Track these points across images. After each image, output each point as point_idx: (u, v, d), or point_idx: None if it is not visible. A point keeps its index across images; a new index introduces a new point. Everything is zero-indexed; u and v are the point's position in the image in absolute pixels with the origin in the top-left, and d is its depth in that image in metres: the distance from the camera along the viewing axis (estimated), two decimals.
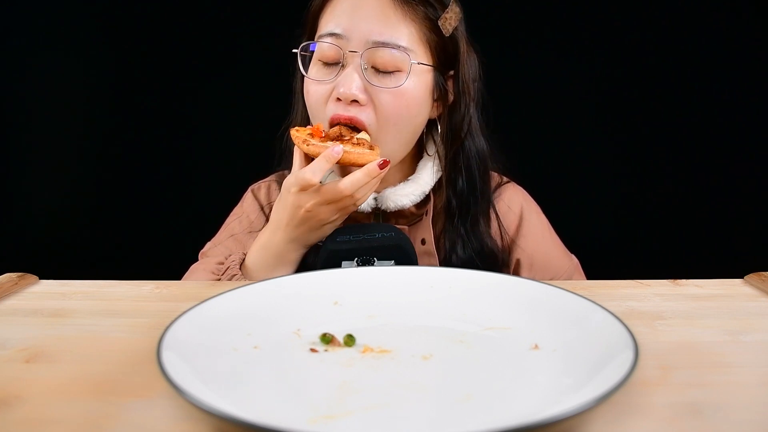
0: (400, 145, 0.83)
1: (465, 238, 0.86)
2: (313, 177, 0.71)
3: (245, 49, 1.54)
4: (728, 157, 1.52)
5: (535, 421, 0.32)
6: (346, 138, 0.75)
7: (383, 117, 0.79)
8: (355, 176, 0.72)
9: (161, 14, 1.56)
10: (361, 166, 0.73)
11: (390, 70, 0.79)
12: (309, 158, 0.76)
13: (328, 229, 0.77)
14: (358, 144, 0.74)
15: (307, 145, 0.74)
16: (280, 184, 0.73)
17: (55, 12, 1.57)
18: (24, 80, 1.61)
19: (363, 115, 0.79)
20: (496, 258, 0.89)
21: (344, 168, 0.78)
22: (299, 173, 0.72)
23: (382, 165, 0.72)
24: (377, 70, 0.79)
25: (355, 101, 0.78)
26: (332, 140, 0.75)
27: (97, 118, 1.64)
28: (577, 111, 1.54)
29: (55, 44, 1.59)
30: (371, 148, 0.74)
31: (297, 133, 0.75)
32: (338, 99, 0.79)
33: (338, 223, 0.77)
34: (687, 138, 1.53)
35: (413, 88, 0.80)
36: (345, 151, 0.72)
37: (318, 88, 0.81)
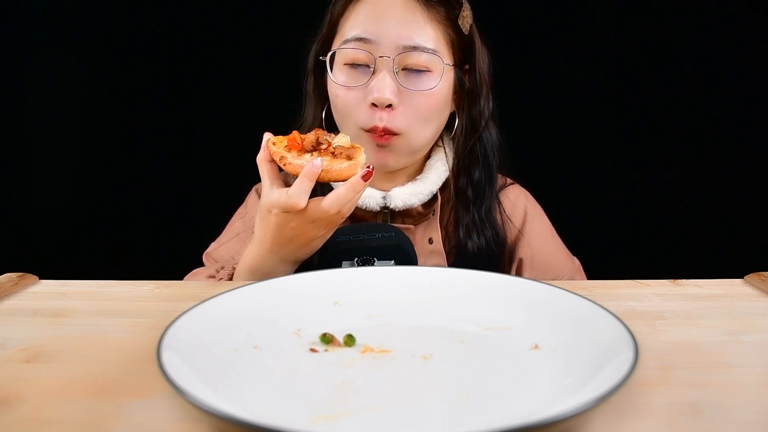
0: (427, 141, 0.86)
1: (480, 225, 0.88)
2: (300, 201, 0.66)
3: (250, 49, 1.54)
4: (728, 158, 1.52)
5: (535, 421, 0.32)
6: (323, 146, 0.69)
7: (415, 117, 0.81)
8: (339, 193, 0.66)
9: (164, 12, 1.56)
10: (343, 180, 0.68)
11: (421, 72, 0.81)
12: (278, 168, 0.71)
13: (317, 244, 0.73)
14: (336, 156, 0.68)
15: (285, 164, 0.68)
16: (285, 183, 0.71)
17: (55, 12, 1.57)
18: (24, 80, 1.61)
19: (394, 122, 0.80)
20: (506, 247, 0.91)
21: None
22: (285, 197, 0.66)
23: (366, 176, 0.66)
24: (408, 74, 0.81)
25: (389, 105, 0.79)
26: (309, 152, 0.69)
27: (98, 118, 1.64)
28: (577, 112, 1.54)
29: (55, 44, 1.59)
30: (349, 157, 0.68)
31: (274, 147, 0.69)
32: (372, 104, 0.80)
33: (327, 236, 0.73)
34: (687, 138, 1.53)
35: (441, 87, 0.82)
36: (324, 169, 0.66)
37: (348, 93, 0.82)
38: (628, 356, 0.39)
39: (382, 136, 0.81)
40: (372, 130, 0.80)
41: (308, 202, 0.67)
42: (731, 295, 0.62)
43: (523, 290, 0.56)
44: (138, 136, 1.62)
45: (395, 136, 0.81)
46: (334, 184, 0.78)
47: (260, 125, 0.75)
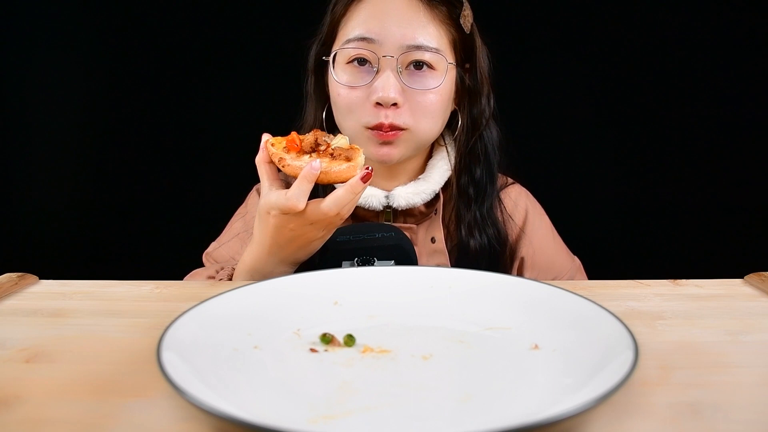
0: (433, 135, 0.87)
1: (481, 223, 0.89)
2: (298, 203, 0.65)
3: (251, 49, 1.54)
4: (728, 158, 1.52)
5: (535, 421, 0.32)
6: (322, 148, 0.68)
7: (420, 116, 0.82)
8: (338, 195, 0.65)
9: (164, 13, 1.56)
10: (342, 182, 0.67)
11: (425, 71, 0.81)
12: (277, 169, 0.70)
13: (317, 246, 0.72)
14: (335, 157, 0.67)
15: (283, 166, 0.67)
16: (284, 184, 0.71)
17: (55, 11, 1.57)
18: (24, 80, 1.61)
19: (400, 119, 0.80)
20: (507, 245, 0.92)
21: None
22: (283, 199, 0.66)
23: (365, 178, 0.66)
24: (411, 73, 0.81)
25: (393, 104, 0.80)
26: (307, 153, 0.68)
27: (98, 118, 1.64)
28: (578, 112, 1.54)
29: (55, 44, 1.59)
30: (348, 159, 0.67)
31: (273, 148, 0.69)
32: (377, 103, 0.80)
33: (326, 238, 0.73)
34: (687, 138, 1.53)
35: (444, 85, 0.83)
36: (323, 171, 0.65)
37: (351, 93, 0.82)
38: (628, 356, 0.39)
39: (389, 132, 0.81)
40: (377, 127, 0.80)
41: (307, 203, 0.66)
42: (731, 295, 0.62)
43: (523, 290, 0.56)
44: (138, 137, 1.62)
45: (403, 131, 0.81)
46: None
47: (260, 125, 0.75)
